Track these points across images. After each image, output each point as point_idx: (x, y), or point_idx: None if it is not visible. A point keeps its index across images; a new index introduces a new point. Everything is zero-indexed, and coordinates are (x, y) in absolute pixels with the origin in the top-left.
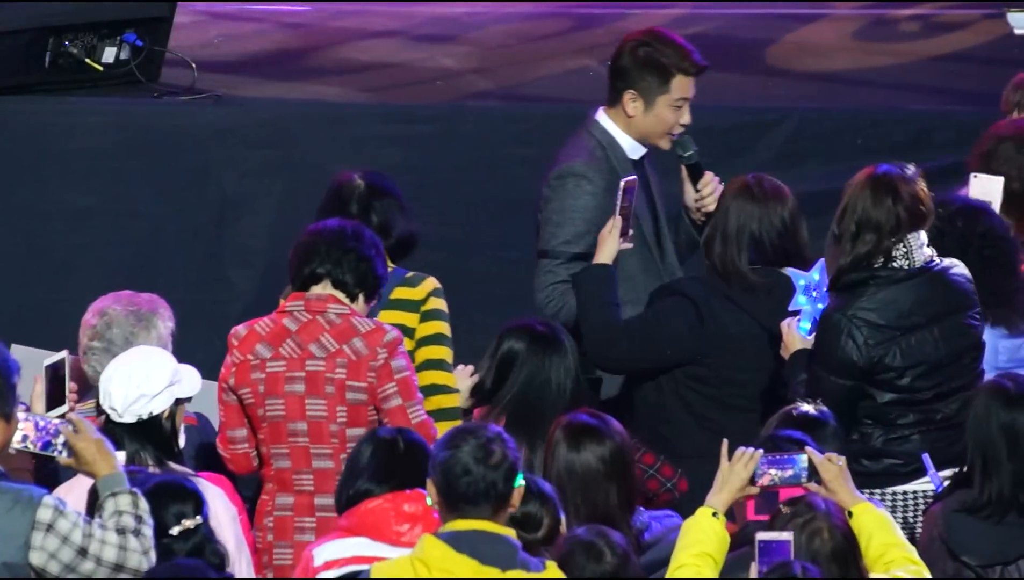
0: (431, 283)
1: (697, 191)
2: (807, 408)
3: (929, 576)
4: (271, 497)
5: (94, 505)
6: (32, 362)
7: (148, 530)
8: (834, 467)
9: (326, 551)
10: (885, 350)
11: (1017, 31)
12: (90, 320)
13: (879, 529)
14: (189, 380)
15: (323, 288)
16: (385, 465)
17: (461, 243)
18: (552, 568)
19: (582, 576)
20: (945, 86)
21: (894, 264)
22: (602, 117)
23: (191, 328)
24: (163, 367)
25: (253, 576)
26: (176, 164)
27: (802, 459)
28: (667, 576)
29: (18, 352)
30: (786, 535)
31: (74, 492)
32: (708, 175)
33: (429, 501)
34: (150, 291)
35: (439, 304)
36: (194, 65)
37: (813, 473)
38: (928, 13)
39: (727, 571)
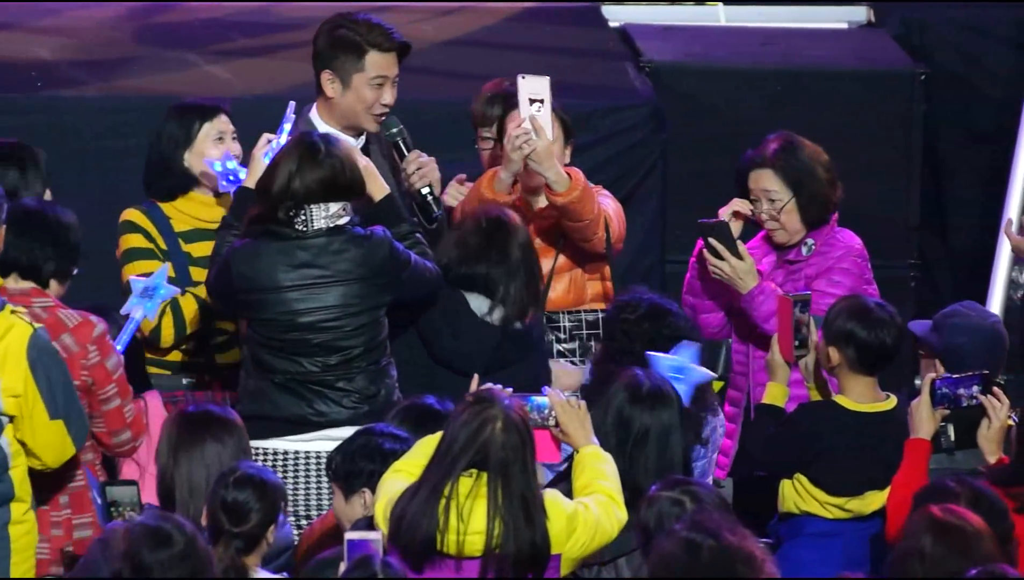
0: None
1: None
2: (432, 400)
3: (624, 514)
4: None
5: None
6: None
7: None
8: (571, 410)
9: None
10: (252, 297)
11: (611, 23)
12: None
13: (592, 466)
14: None
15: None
16: None
17: None
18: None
19: None
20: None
21: (295, 227)
22: (313, 113)
23: None
24: None
25: None
26: None
27: (545, 400)
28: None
29: None
30: (375, 535)
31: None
32: (413, 153)
33: None
34: None
35: None
36: None
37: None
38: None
39: (316, 572)
